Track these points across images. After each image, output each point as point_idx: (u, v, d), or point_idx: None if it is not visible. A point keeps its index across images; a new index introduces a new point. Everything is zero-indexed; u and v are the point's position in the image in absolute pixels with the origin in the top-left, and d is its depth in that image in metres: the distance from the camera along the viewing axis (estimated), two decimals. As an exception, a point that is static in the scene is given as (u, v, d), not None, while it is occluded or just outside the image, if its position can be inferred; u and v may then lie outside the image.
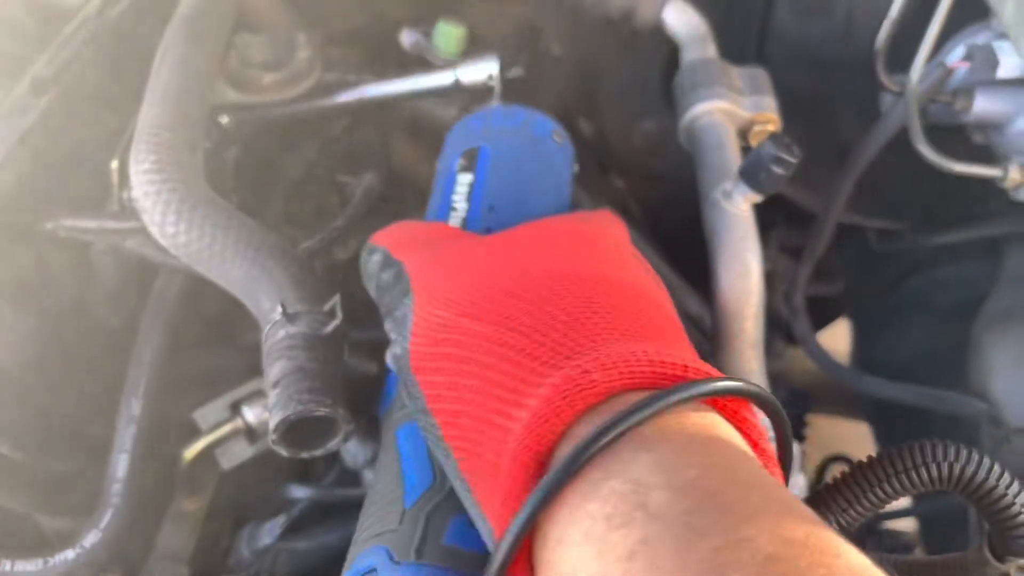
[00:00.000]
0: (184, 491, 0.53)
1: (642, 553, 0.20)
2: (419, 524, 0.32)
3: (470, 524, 0.32)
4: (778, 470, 0.28)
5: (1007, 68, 0.61)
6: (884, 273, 0.90)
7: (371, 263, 0.39)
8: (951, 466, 0.37)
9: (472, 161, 0.48)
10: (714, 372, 0.26)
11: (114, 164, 0.50)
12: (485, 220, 0.44)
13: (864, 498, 0.38)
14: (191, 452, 0.51)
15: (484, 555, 0.32)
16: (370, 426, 0.49)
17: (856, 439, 0.99)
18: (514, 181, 0.47)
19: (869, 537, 0.78)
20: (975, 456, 0.37)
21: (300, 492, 0.54)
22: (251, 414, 0.51)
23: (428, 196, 0.51)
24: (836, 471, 0.83)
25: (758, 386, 0.26)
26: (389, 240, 0.40)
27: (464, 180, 0.47)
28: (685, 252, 0.64)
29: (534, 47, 0.62)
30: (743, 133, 0.59)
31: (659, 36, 0.68)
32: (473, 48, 0.70)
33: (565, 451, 0.23)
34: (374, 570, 0.31)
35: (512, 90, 0.63)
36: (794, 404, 0.87)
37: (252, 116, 0.58)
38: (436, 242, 0.39)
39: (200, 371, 0.56)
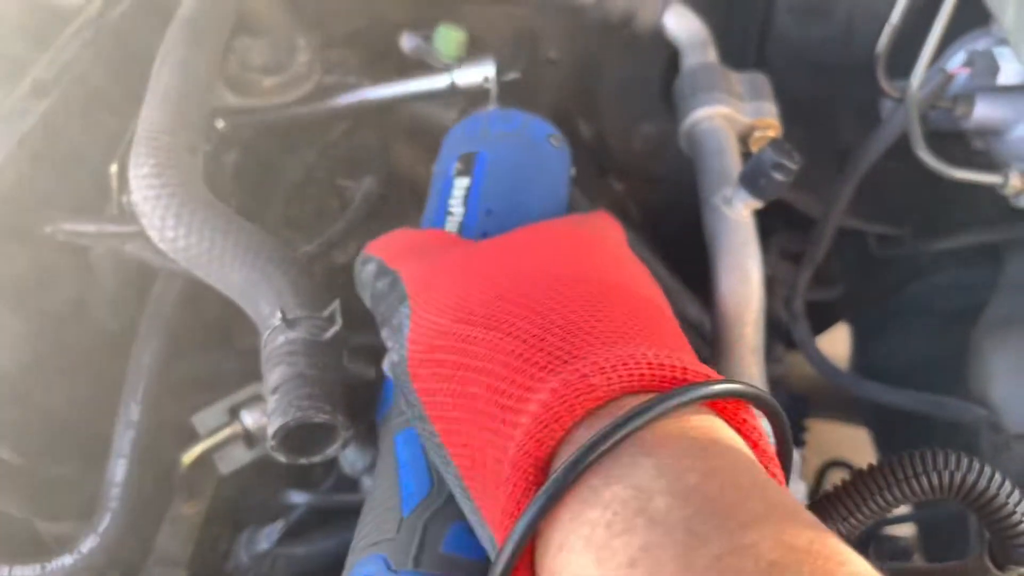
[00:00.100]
0: (182, 495, 0.53)
1: (643, 560, 0.20)
2: (416, 532, 0.32)
3: (468, 532, 0.32)
4: (779, 472, 0.27)
5: (1008, 74, 0.61)
6: (884, 278, 0.90)
7: (365, 273, 0.39)
8: (952, 475, 0.37)
9: (469, 165, 0.48)
10: (713, 374, 0.26)
11: (113, 167, 0.50)
12: (482, 224, 0.44)
13: (865, 506, 0.38)
14: (189, 456, 0.51)
15: (483, 563, 0.32)
16: (369, 432, 0.49)
17: (855, 444, 0.99)
18: (511, 185, 0.47)
19: (868, 543, 0.78)
20: (976, 464, 0.37)
21: (298, 497, 0.54)
22: (250, 419, 0.51)
23: (424, 202, 0.51)
24: (835, 476, 0.83)
25: (758, 388, 0.26)
26: (383, 249, 0.40)
27: (461, 184, 0.47)
28: (685, 256, 0.64)
29: (531, 51, 0.62)
30: (743, 138, 0.59)
31: (659, 39, 0.68)
32: (473, 52, 0.70)
33: (566, 456, 0.23)
34: None
35: (509, 93, 0.63)
36: (793, 409, 0.87)
37: (251, 120, 0.58)
38: (431, 250, 0.39)
39: (199, 375, 0.56)
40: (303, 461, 0.39)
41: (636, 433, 0.23)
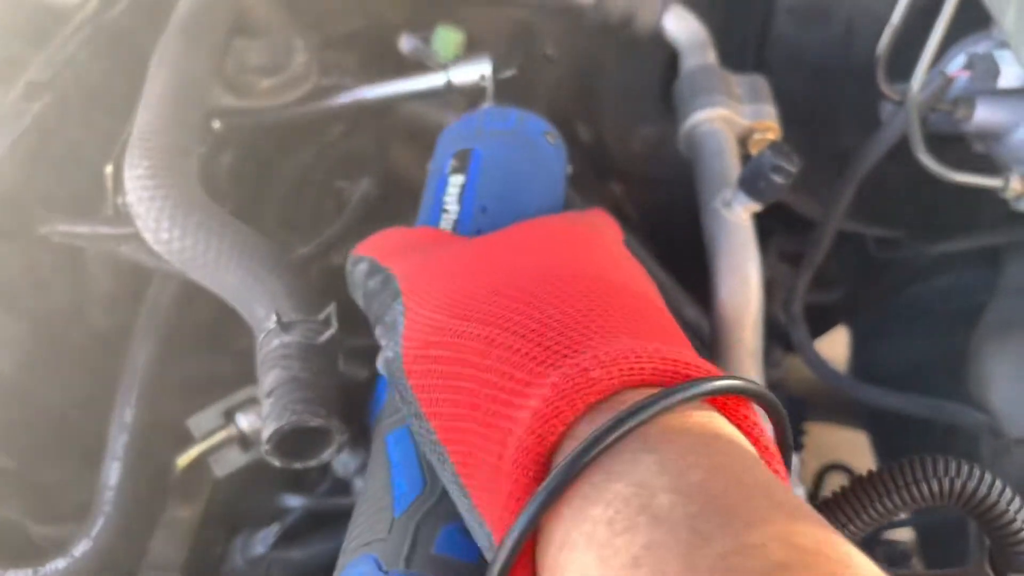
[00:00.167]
0: (177, 499, 0.52)
1: (647, 559, 0.20)
2: (408, 532, 0.32)
3: (461, 533, 0.32)
4: (782, 468, 0.27)
5: (1008, 77, 0.61)
6: (883, 281, 0.90)
7: (357, 272, 0.39)
8: (952, 481, 0.37)
9: (464, 162, 0.47)
10: (715, 370, 0.25)
11: (108, 168, 0.50)
12: (477, 221, 0.44)
13: (865, 512, 0.38)
14: (184, 459, 0.50)
15: (475, 565, 0.31)
16: (361, 434, 0.48)
17: (854, 447, 0.99)
18: (506, 182, 0.46)
19: (867, 548, 0.78)
20: (976, 471, 0.37)
21: (294, 501, 0.53)
22: (245, 421, 0.51)
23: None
24: (834, 480, 0.82)
25: (759, 385, 0.25)
26: (374, 248, 0.39)
27: (456, 182, 0.46)
28: (684, 258, 0.64)
29: (528, 48, 0.62)
30: (743, 141, 0.59)
31: (658, 41, 0.68)
32: (471, 53, 0.70)
33: (567, 452, 0.23)
34: None
35: (506, 92, 0.62)
36: (792, 412, 0.86)
37: (248, 121, 0.57)
38: (424, 247, 0.39)
39: (194, 377, 0.56)
40: (298, 465, 0.39)
41: (639, 428, 0.23)
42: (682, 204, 0.61)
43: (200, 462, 0.51)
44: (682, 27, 0.66)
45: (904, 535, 0.83)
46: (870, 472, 0.38)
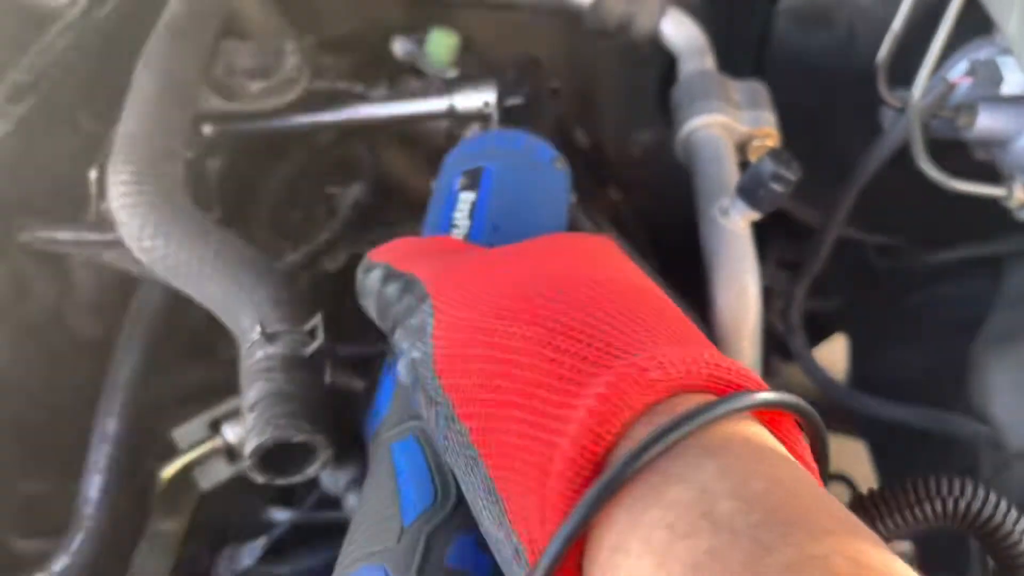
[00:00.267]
0: (162, 511, 0.51)
1: (708, 565, 0.19)
2: (419, 543, 0.31)
3: (475, 546, 0.31)
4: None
5: (1011, 84, 0.60)
6: (883, 289, 0.89)
7: (370, 279, 0.38)
8: (956, 502, 0.36)
9: (475, 180, 0.47)
10: (762, 382, 0.25)
11: (93, 173, 0.48)
12: (488, 239, 0.44)
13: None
14: (168, 472, 0.49)
15: None
16: (354, 447, 0.47)
17: (853, 456, 0.98)
18: (516, 203, 0.46)
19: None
20: (981, 491, 0.36)
21: (281, 515, 0.52)
22: (231, 433, 0.50)
23: (418, 206, 0.50)
24: (834, 492, 0.81)
25: (810, 406, 0.25)
26: (389, 254, 0.38)
27: (467, 198, 0.46)
28: (683, 264, 0.63)
29: (535, 80, 0.61)
30: (741, 148, 0.58)
31: (657, 46, 0.67)
32: (466, 57, 0.69)
33: (624, 452, 0.22)
34: None
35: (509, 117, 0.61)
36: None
37: (237, 128, 0.56)
38: (445, 253, 0.38)
39: (182, 386, 0.55)
40: (282, 481, 0.38)
41: (699, 432, 0.22)
42: (682, 210, 0.60)
43: (185, 474, 0.50)
44: (680, 32, 0.65)
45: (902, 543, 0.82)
46: (871, 492, 0.37)
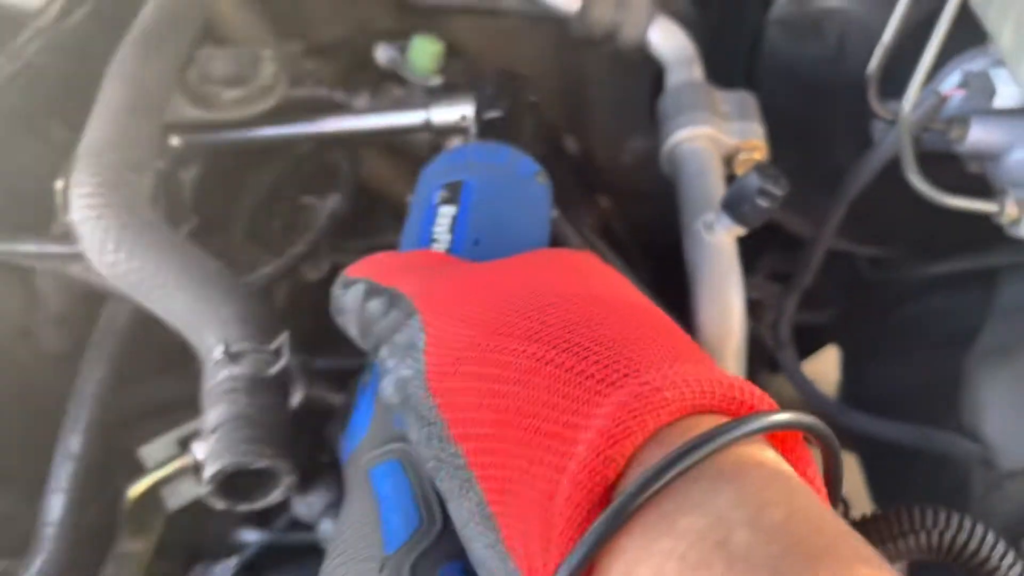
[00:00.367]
0: (129, 531, 0.49)
1: None
2: (403, 572, 0.30)
3: (464, 574, 0.30)
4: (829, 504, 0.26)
5: (1004, 97, 0.59)
6: (875, 301, 0.88)
7: (350, 296, 0.36)
8: (941, 534, 0.34)
9: (455, 193, 0.46)
10: (772, 401, 0.24)
11: (59, 184, 0.47)
12: (469, 253, 0.42)
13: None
14: (135, 491, 0.48)
15: None
16: (329, 470, 0.46)
17: (846, 470, 0.96)
18: (498, 217, 0.45)
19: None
20: (966, 523, 0.35)
21: (252, 535, 0.51)
22: (201, 451, 0.48)
23: (403, 216, 0.49)
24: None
25: (826, 427, 0.24)
26: (370, 270, 0.37)
27: (446, 212, 0.45)
28: (673, 272, 0.62)
29: (514, 93, 0.60)
30: (728, 161, 0.56)
31: (646, 54, 0.66)
32: (452, 63, 0.68)
33: (636, 476, 0.21)
34: None
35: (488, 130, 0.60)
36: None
37: (211, 138, 0.55)
38: (431, 267, 0.37)
39: (154, 400, 0.53)
40: (243, 507, 0.36)
41: (715, 456, 0.21)
42: (672, 218, 0.59)
43: (153, 493, 0.48)
44: (668, 41, 0.64)
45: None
46: (854, 523, 0.36)
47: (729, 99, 0.58)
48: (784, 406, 0.23)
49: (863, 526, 0.35)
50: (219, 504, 0.36)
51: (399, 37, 0.68)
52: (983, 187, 0.64)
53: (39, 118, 0.53)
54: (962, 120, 0.59)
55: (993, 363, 0.67)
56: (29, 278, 0.51)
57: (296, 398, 0.41)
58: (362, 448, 0.37)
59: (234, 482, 0.35)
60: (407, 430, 0.31)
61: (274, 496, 0.36)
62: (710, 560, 0.19)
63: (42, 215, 0.50)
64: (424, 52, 0.61)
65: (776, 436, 0.24)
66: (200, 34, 0.57)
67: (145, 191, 0.44)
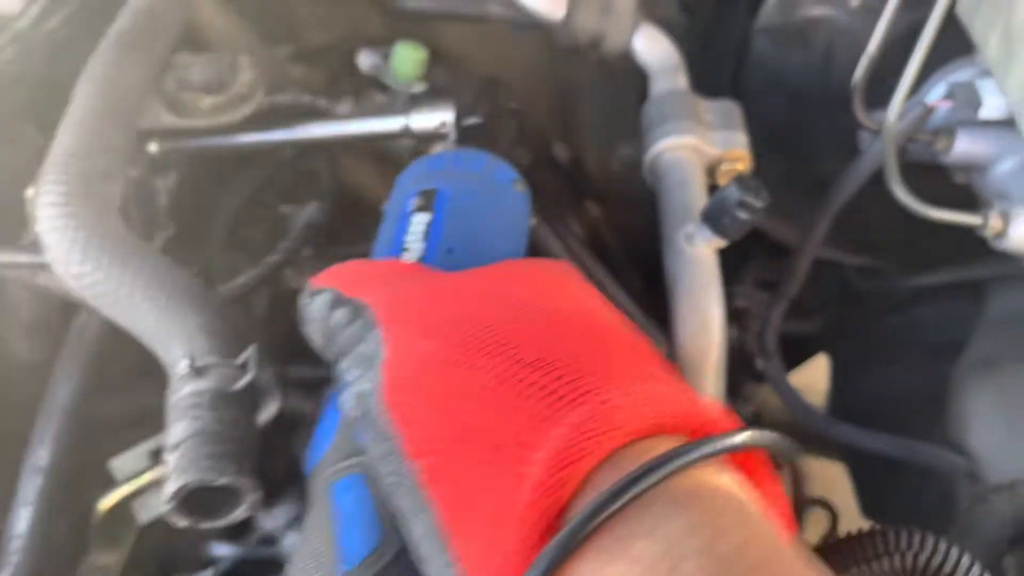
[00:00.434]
0: (99, 544, 0.49)
1: None
2: None
3: None
4: (792, 526, 0.25)
5: (990, 108, 0.58)
6: (863, 311, 0.87)
7: (315, 306, 0.36)
8: (916, 556, 0.34)
9: (429, 201, 0.45)
10: (733, 419, 0.24)
11: (29, 192, 0.46)
12: (442, 262, 0.42)
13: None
14: (105, 504, 0.47)
15: None
16: (295, 482, 0.45)
17: (833, 480, 0.96)
18: (473, 226, 0.45)
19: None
20: (941, 546, 0.34)
21: (224, 549, 0.50)
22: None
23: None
24: (814, 517, 0.79)
25: (789, 441, 0.24)
26: (337, 280, 0.36)
27: (420, 220, 0.44)
28: (661, 280, 0.62)
29: (494, 99, 0.59)
30: (711, 171, 0.56)
31: (631, 62, 0.65)
32: (436, 70, 0.67)
33: (589, 500, 0.21)
34: None
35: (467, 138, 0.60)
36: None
37: (188, 145, 0.54)
38: (398, 277, 0.36)
39: (125, 413, 0.52)
40: (206, 525, 0.36)
41: (669, 480, 0.21)
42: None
43: (124, 505, 0.48)
44: (653, 49, 0.63)
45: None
46: (826, 545, 0.36)
47: (713, 108, 0.58)
48: (770, 417, 0.23)
49: (836, 548, 0.35)
50: (181, 521, 0.35)
51: (388, 43, 0.68)
52: (971, 198, 0.64)
53: (14, 124, 0.52)
54: (948, 131, 0.58)
55: (979, 375, 0.67)
56: (0, 286, 0.50)
57: (269, 411, 0.40)
58: (325, 461, 0.37)
59: (197, 499, 0.35)
60: (367, 444, 0.31)
61: (238, 513, 0.36)
62: None
63: (14, 223, 0.50)
64: (407, 59, 0.61)
65: (737, 455, 0.24)
66: (178, 40, 0.56)
67: (114, 200, 0.43)
